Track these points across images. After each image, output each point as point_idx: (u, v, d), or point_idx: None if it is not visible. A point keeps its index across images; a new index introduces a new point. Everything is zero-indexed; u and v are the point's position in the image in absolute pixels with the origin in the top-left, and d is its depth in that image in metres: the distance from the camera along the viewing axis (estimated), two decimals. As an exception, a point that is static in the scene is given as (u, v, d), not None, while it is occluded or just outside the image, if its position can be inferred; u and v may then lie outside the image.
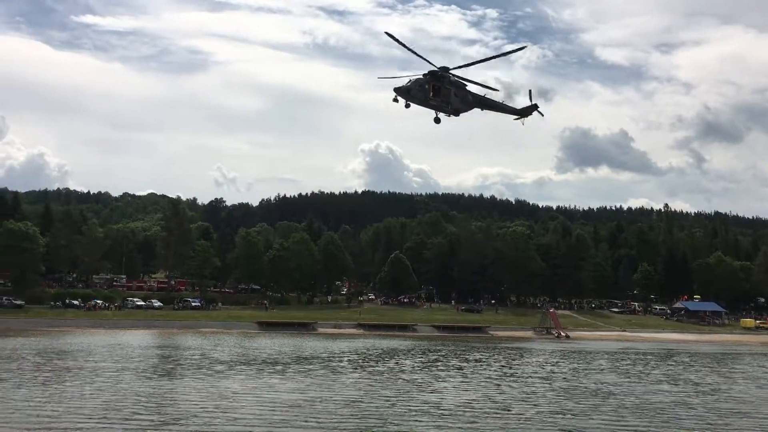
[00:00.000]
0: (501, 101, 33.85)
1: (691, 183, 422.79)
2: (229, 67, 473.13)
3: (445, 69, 30.89)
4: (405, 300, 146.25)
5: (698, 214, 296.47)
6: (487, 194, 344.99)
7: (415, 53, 29.57)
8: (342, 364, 62.20)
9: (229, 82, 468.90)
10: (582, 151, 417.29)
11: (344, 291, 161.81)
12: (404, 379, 52.28)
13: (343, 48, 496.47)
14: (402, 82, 30.91)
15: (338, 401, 40.49)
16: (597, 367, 66.51)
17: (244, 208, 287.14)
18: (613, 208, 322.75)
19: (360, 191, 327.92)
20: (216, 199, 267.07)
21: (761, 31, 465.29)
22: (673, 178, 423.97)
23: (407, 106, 31.23)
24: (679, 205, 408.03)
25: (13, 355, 62.02)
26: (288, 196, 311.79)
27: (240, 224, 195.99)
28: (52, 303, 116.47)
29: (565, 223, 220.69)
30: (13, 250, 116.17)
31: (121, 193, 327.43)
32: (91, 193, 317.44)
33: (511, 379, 55.00)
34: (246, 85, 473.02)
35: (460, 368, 62.02)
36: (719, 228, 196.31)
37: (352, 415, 36.20)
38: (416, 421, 35.15)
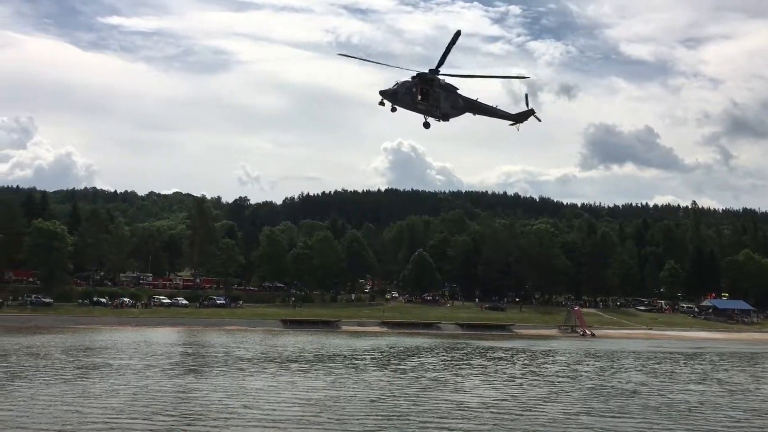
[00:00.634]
0: (495, 105, 32.83)
1: (719, 179, 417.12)
2: (253, 67, 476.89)
3: (435, 72, 30.03)
4: (428, 298, 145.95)
5: (726, 211, 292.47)
6: (510, 192, 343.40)
7: (380, 63, 28.72)
8: (365, 363, 62.23)
9: (253, 82, 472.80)
10: (607, 147, 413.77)
11: (367, 289, 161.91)
12: (428, 378, 52.12)
13: (365, 46, 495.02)
14: (390, 84, 30.02)
15: (361, 399, 40.48)
16: (623, 366, 65.77)
17: (268, 206, 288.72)
18: (639, 205, 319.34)
19: (383, 189, 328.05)
20: (240, 197, 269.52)
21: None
22: (700, 175, 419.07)
23: (393, 110, 30.42)
24: (706, 202, 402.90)
25: (41, 352, 63.01)
26: (311, 194, 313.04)
27: (264, 223, 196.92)
28: (80, 301, 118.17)
29: (590, 221, 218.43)
30: (42, 249, 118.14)
31: (147, 192, 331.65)
32: (118, 192, 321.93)
33: (536, 378, 54.55)
34: (269, 84, 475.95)
35: (484, 367, 61.71)
36: (747, 225, 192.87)
37: (375, 413, 36.16)
38: (439, 420, 34.99)
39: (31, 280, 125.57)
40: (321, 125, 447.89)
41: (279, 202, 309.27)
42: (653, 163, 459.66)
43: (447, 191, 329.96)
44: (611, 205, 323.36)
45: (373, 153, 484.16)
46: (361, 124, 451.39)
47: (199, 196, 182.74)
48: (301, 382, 47.22)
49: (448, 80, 31.07)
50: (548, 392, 46.08)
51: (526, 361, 67.78)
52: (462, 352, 76.74)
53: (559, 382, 52.18)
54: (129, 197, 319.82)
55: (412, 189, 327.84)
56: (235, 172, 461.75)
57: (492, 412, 37.38)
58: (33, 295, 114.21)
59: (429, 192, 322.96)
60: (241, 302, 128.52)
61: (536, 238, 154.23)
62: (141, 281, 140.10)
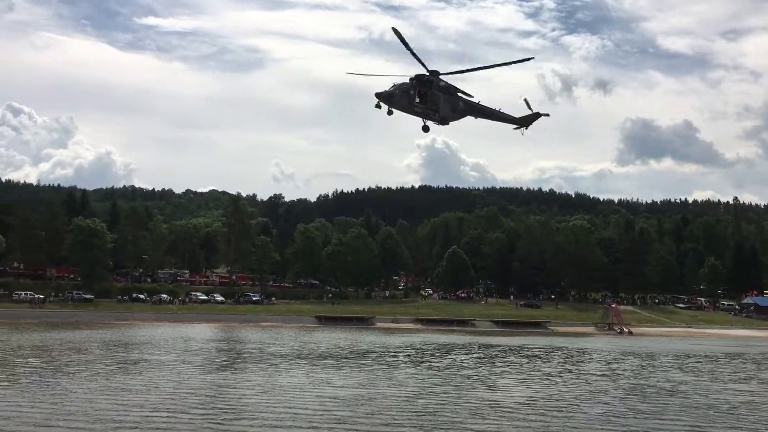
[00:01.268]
0: (498, 108, 31.52)
1: (760, 174, 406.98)
2: (286, 65, 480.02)
3: (435, 73, 29.01)
4: (463, 295, 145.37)
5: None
6: (545, 188, 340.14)
7: (415, 55, 27.50)
8: (399, 359, 62.16)
9: (287, 79, 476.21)
10: (644, 142, 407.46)
11: (401, 286, 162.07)
12: (462, 375, 51.81)
13: (398, 43, 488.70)
14: (387, 85, 29.02)
15: (395, 397, 40.37)
16: (663, 364, 64.53)
17: (302, 203, 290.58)
18: (678, 201, 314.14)
19: (416, 186, 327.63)
20: (275, 195, 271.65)
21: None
22: (741, 170, 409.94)
23: (390, 113, 29.36)
24: (747, 198, 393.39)
25: (82, 347, 64.27)
26: (345, 191, 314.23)
27: (298, 219, 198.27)
28: (120, 297, 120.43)
29: (628, 217, 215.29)
30: (83, 246, 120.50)
31: (184, 190, 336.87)
32: (156, 190, 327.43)
33: (573, 376, 53.80)
34: (303, 81, 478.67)
35: (520, 364, 61.13)
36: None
37: (408, 410, 36.02)
38: (473, 418, 34.71)
39: (72, 276, 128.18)
40: (354, 122, 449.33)
41: (313, 199, 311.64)
42: (692, 158, 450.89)
43: (481, 188, 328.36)
44: (649, 201, 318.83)
45: (406, 150, 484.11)
46: (394, 120, 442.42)
47: (234, 193, 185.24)
48: (336, 379, 47.31)
49: (451, 79, 29.86)
50: (585, 391, 45.40)
51: (562, 359, 66.94)
52: (497, 349, 76.16)
53: (596, 380, 51.38)
54: (166, 195, 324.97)
55: (445, 185, 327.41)
56: (269, 170, 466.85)
57: (527, 411, 36.94)
58: (75, 292, 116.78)
59: (463, 188, 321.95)
60: (274, 299, 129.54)
61: (572, 234, 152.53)
62: (178, 278, 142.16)
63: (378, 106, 29.21)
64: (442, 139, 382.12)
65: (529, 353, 72.27)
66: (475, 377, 51.11)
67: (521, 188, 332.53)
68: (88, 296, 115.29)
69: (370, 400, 38.96)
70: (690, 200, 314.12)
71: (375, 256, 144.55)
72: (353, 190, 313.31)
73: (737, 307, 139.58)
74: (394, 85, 29.17)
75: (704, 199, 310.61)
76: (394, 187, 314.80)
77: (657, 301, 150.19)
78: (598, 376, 54.34)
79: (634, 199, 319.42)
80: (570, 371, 57.07)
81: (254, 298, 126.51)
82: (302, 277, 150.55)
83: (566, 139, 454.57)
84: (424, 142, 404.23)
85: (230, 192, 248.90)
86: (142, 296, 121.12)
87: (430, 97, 29.30)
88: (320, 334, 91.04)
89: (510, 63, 30.82)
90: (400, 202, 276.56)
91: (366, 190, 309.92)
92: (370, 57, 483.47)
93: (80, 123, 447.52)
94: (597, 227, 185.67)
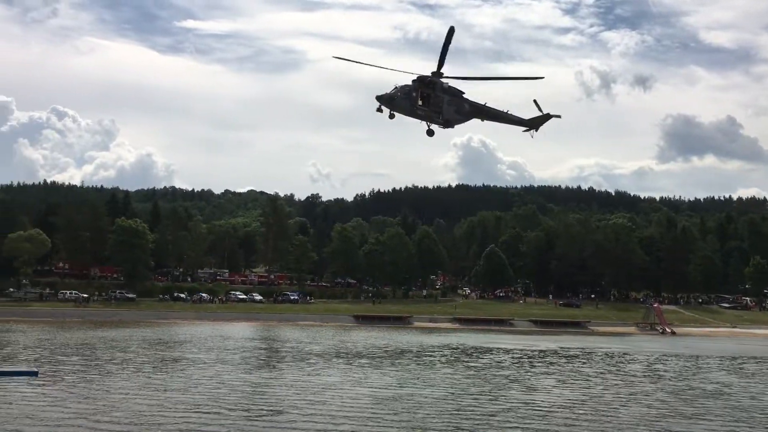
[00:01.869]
0: (506, 110, 30.16)
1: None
2: (323, 65, 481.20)
3: (439, 74, 27.83)
4: (501, 294, 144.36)
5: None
6: (584, 186, 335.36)
7: (444, 57, 26.53)
8: (437, 359, 61.90)
9: (323, 80, 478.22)
10: (686, 139, 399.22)
11: (439, 285, 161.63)
12: (500, 376, 51.36)
13: (434, 42, 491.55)
14: (389, 89, 28.03)
15: (432, 397, 40.17)
16: (707, 365, 63.10)
17: (339, 203, 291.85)
18: (721, 198, 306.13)
19: (453, 185, 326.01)
20: (312, 194, 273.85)
21: None
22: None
23: (391, 116, 28.20)
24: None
25: (124, 345, 65.52)
26: (382, 190, 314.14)
27: (335, 219, 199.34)
28: (161, 296, 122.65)
29: (669, 215, 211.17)
30: (125, 246, 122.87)
31: (223, 190, 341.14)
32: (195, 190, 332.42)
33: (614, 377, 52.88)
34: (339, 81, 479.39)
35: (559, 365, 60.36)
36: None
37: (445, 411, 35.78)
38: (511, 419, 34.33)
39: (115, 276, 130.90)
40: (390, 122, 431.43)
41: (350, 198, 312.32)
42: (736, 155, 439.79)
43: (518, 186, 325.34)
44: (691, 199, 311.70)
45: (442, 148, 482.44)
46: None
47: (272, 193, 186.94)
48: (373, 379, 47.32)
49: (454, 83, 28.79)
50: (627, 392, 44.54)
51: (602, 360, 65.91)
52: (536, 349, 75.35)
53: (638, 381, 50.41)
54: (206, 195, 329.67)
55: (482, 184, 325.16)
56: (306, 170, 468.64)
57: (567, 413, 36.38)
58: (117, 291, 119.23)
59: (500, 187, 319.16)
60: (311, 298, 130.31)
61: (612, 232, 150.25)
62: (218, 277, 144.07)
63: (379, 110, 28.23)
64: (478, 138, 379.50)
65: (568, 353, 71.31)
66: (514, 377, 50.58)
67: (559, 186, 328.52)
68: (130, 295, 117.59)
69: (407, 399, 38.78)
70: (734, 198, 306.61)
71: (412, 255, 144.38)
72: (390, 190, 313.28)
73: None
74: (396, 87, 28.24)
75: (749, 197, 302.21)
76: (430, 186, 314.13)
77: (700, 300, 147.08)
78: (640, 377, 53.33)
79: (676, 197, 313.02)
80: (611, 372, 56.11)
81: (292, 297, 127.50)
82: (339, 276, 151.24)
83: (605, 137, 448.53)
84: (460, 141, 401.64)
85: (268, 192, 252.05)
86: (182, 295, 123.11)
87: (433, 99, 28.28)
88: (358, 333, 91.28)
89: (519, 78, 30.07)
90: (437, 201, 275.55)
91: (403, 189, 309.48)
92: (405, 56, 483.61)
93: (122, 125, 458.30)
94: (638, 226, 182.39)
